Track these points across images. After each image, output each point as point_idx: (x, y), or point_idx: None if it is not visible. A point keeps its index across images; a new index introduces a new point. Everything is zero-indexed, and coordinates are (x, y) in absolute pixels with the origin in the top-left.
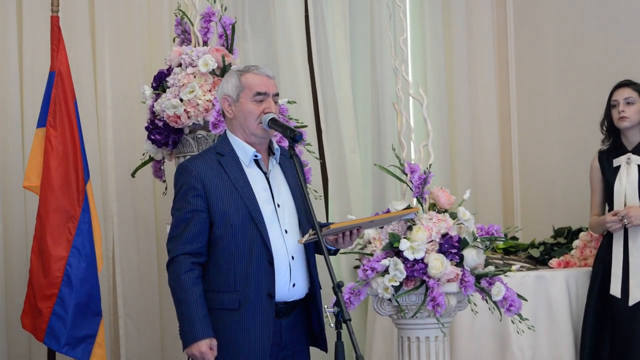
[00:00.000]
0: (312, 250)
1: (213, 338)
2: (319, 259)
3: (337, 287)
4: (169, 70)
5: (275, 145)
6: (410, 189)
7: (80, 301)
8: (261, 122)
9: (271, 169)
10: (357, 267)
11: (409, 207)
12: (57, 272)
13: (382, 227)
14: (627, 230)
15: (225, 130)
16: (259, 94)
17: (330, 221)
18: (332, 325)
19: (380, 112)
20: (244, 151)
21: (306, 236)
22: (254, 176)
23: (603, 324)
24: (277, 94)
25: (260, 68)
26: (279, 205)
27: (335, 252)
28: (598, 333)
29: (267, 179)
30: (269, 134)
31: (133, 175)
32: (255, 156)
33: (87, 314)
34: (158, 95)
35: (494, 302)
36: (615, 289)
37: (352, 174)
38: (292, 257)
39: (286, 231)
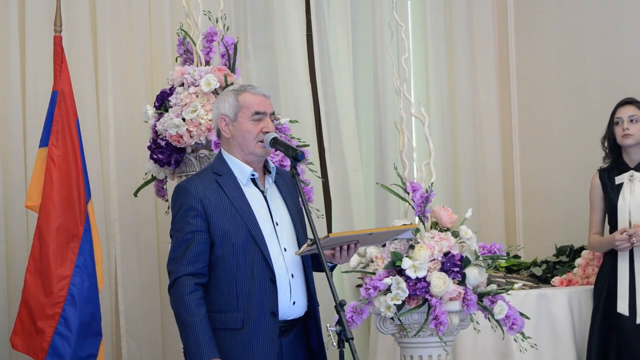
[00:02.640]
0: (310, 267)
1: (219, 359)
2: (320, 277)
3: (340, 306)
4: (172, 90)
5: (271, 164)
6: (412, 207)
7: (84, 320)
8: (260, 141)
9: (268, 187)
10: (359, 285)
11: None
12: (60, 292)
13: (383, 246)
14: (632, 248)
15: (221, 149)
16: (257, 113)
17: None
18: (335, 344)
19: (382, 131)
20: (241, 170)
21: (304, 246)
22: (252, 195)
23: (609, 342)
24: (273, 113)
25: (255, 87)
26: (277, 224)
27: (332, 268)
28: (604, 351)
29: (265, 197)
30: (268, 153)
31: (135, 194)
32: (253, 175)
33: (89, 333)
34: (160, 115)
35: (497, 321)
36: (623, 307)
37: (354, 193)
38: (292, 275)
39: (285, 249)
